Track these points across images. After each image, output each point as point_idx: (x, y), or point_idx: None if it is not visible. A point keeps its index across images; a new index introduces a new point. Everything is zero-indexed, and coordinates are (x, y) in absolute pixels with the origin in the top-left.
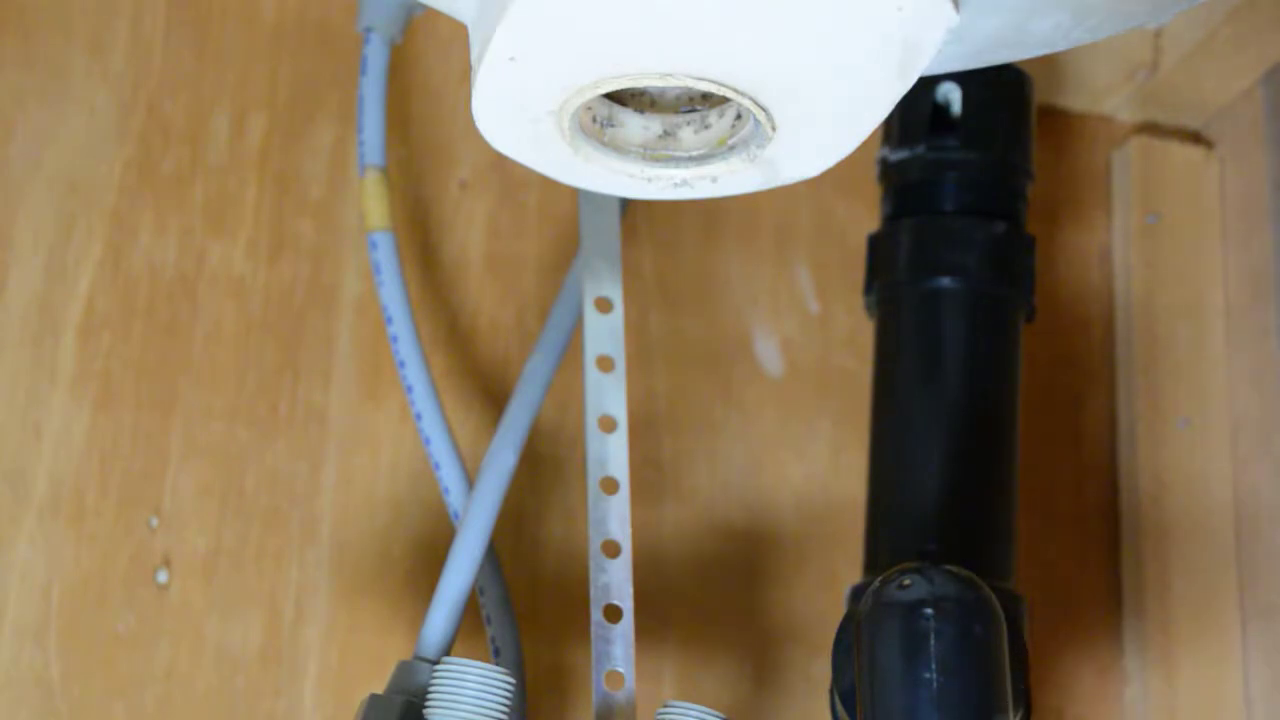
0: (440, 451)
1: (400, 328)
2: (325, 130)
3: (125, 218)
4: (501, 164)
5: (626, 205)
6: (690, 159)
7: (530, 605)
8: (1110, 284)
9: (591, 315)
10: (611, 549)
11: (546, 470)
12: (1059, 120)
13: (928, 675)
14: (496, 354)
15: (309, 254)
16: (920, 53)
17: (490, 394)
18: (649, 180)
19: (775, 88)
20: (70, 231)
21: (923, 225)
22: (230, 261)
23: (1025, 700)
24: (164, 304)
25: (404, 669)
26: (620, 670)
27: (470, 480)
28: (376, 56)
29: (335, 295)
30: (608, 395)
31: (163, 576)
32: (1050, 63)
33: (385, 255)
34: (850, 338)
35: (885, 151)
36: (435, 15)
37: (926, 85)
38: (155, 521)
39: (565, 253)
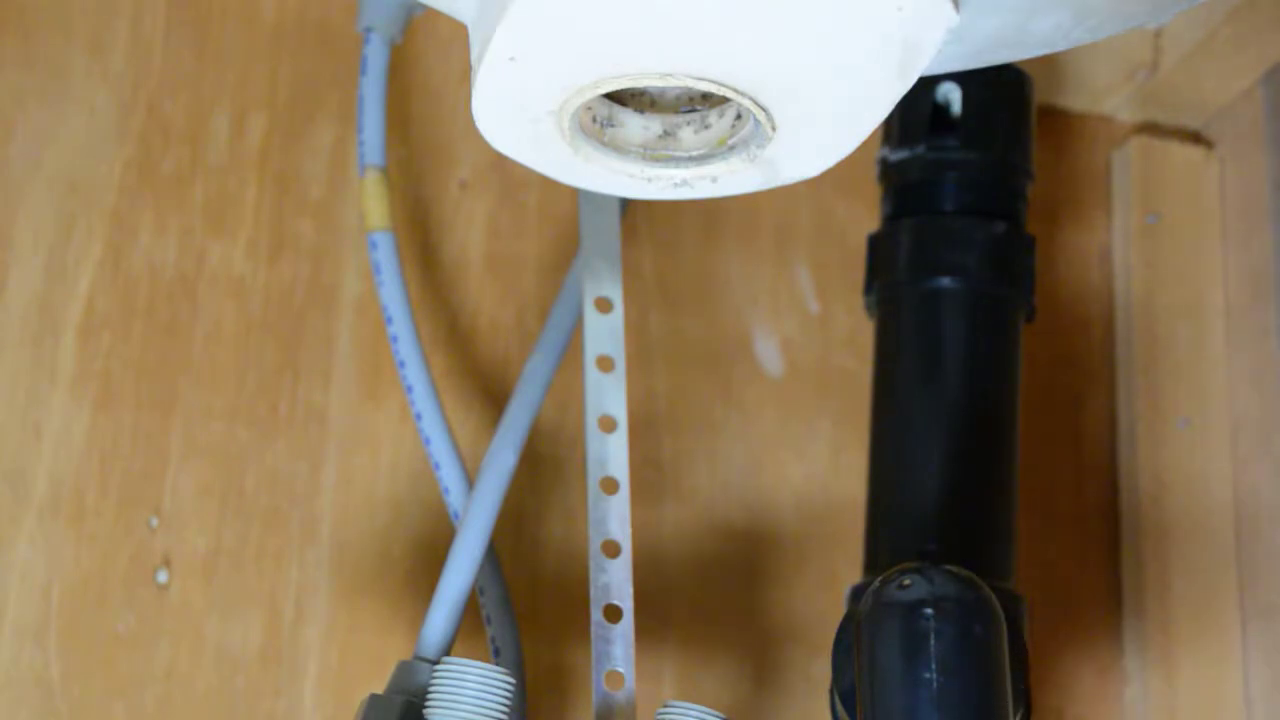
0: (440, 451)
1: (400, 328)
2: (325, 130)
3: (125, 218)
4: (501, 164)
5: (626, 205)
6: (690, 159)
7: (530, 605)
8: (1110, 284)
9: (591, 315)
10: (611, 549)
11: (546, 470)
12: (1059, 120)
13: (928, 675)
14: (496, 354)
15: (309, 254)
16: (920, 53)
17: (490, 394)
18: (649, 180)
19: (775, 88)
20: (70, 231)
21: (923, 225)
22: (230, 261)
23: (1025, 700)
24: (164, 304)
25: (404, 669)
26: (620, 670)
27: (470, 480)
28: (376, 56)
29: (335, 295)
30: (608, 395)
31: (163, 576)
32: (1050, 63)
33: (385, 255)
34: (850, 338)
35: (885, 151)
36: (435, 15)
37: (926, 85)
38: (155, 521)
39: (565, 253)
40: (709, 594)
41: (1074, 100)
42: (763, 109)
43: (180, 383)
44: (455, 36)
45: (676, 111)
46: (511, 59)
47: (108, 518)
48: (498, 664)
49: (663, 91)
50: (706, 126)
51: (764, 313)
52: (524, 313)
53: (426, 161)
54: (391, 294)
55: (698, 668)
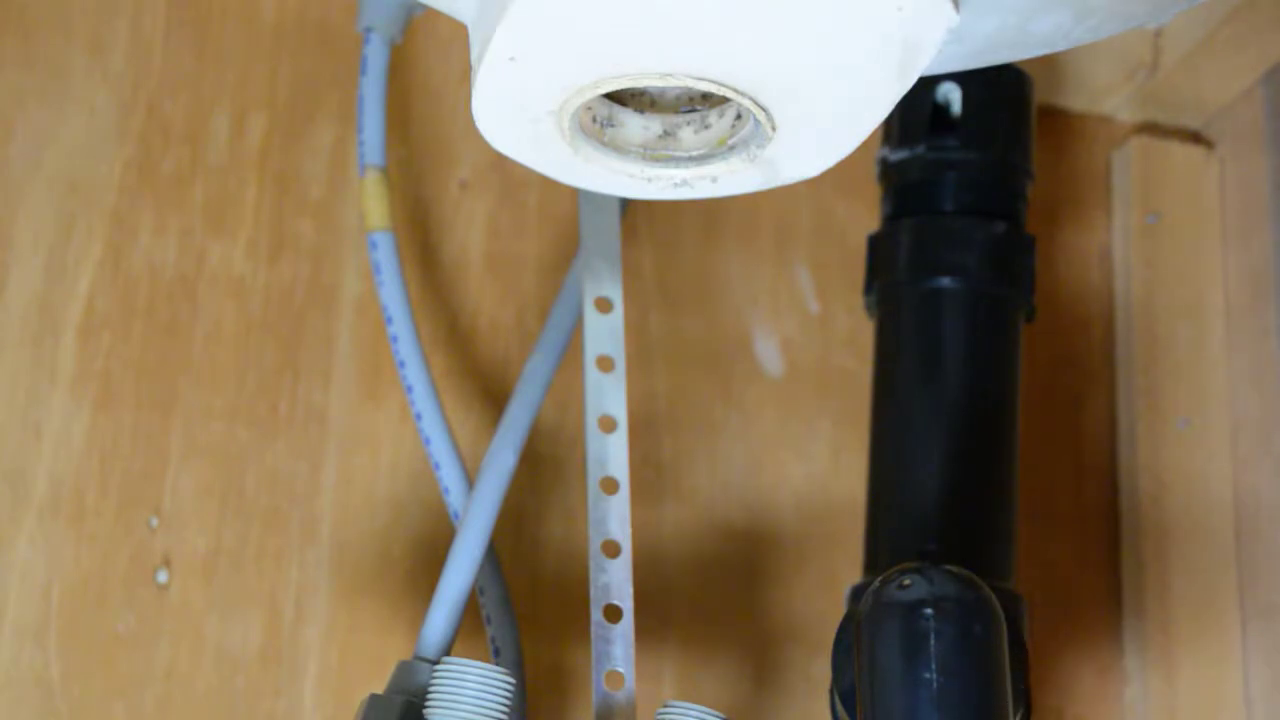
0: (440, 451)
1: (400, 328)
2: (325, 130)
3: (125, 218)
4: (501, 164)
5: (626, 205)
6: (690, 159)
7: (530, 605)
8: (1110, 284)
9: (591, 315)
10: (611, 549)
11: (546, 470)
12: (1059, 120)
13: (928, 675)
14: (496, 354)
15: (309, 254)
16: (920, 53)
17: (490, 394)
18: (649, 180)
19: (775, 88)
20: (70, 231)
21: (923, 225)
22: (230, 261)
23: (1025, 700)
24: (164, 304)
25: (404, 669)
26: (620, 670)
27: (470, 480)
28: (376, 56)
29: (335, 295)
30: (608, 395)
31: (163, 576)
32: (1050, 63)
33: (385, 255)
34: (850, 338)
35: (885, 151)
36: (435, 15)
37: (926, 85)
38: (155, 521)
39: (565, 253)
40: (709, 594)
41: (1074, 100)
42: (763, 109)
43: (180, 383)
44: (455, 36)
45: (676, 111)
46: (511, 59)
47: (108, 518)
48: (498, 664)
49: (663, 91)
50: (706, 126)
51: (764, 313)
52: (524, 313)
53: (426, 161)
54: (391, 294)
55: (698, 668)
